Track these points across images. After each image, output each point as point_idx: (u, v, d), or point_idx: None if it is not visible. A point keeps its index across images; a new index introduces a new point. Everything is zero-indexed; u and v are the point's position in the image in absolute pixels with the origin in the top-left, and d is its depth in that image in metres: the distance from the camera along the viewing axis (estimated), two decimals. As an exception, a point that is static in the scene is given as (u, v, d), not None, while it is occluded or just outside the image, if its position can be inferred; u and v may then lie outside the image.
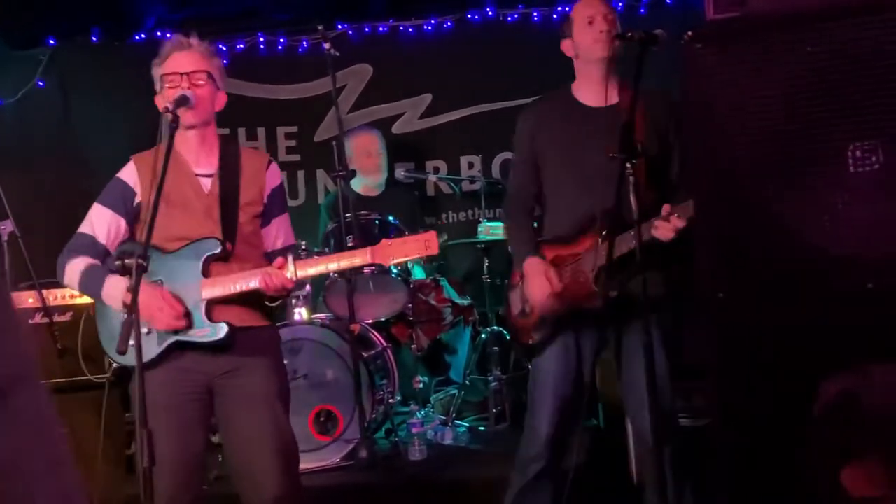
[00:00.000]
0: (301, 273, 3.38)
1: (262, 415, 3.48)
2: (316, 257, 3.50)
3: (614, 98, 3.87)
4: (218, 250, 3.45)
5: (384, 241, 3.38)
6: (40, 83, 6.63)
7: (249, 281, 3.39)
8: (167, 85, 3.46)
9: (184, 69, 3.45)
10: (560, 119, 3.93)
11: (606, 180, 3.69)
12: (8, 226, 5.22)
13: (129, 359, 3.29)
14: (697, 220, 3.09)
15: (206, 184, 3.53)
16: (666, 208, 3.58)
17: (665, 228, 3.56)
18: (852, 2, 2.63)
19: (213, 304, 3.44)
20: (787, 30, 2.66)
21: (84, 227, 3.53)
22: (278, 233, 3.65)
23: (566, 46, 3.94)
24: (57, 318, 5.42)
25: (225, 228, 3.49)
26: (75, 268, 3.46)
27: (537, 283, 3.78)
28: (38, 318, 5.41)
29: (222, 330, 3.41)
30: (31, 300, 5.40)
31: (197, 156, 3.55)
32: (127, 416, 5.48)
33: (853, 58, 2.61)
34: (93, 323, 5.46)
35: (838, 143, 2.65)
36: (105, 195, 3.55)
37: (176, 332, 3.40)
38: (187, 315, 3.39)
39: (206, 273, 3.44)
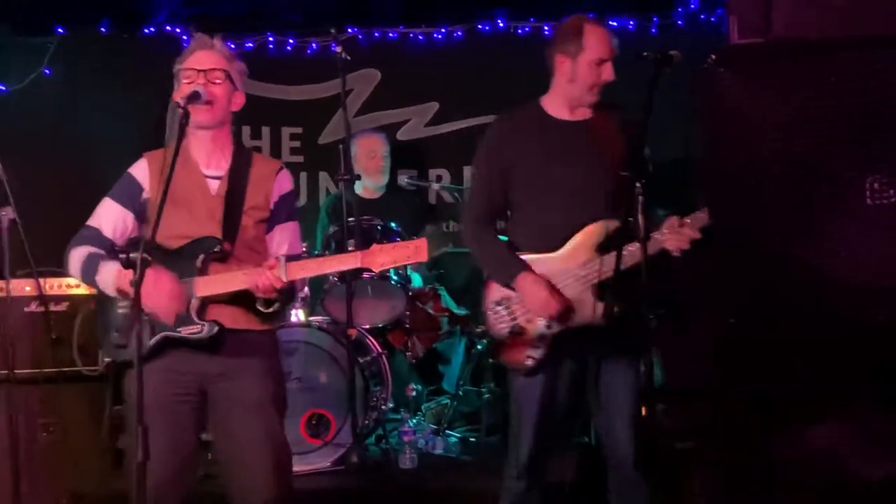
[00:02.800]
0: (291, 275, 3.35)
1: (254, 420, 3.46)
2: (307, 259, 3.49)
3: (588, 114, 3.89)
4: (216, 249, 3.44)
5: (375, 247, 3.37)
6: (47, 71, 6.60)
7: (239, 281, 3.37)
8: (184, 80, 3.46)
9: (202, 66, 3.46)
10: (534, 133, 3.87)
11: (588, 194, 3.78)
12: (9, 213, 5.18)
13: (122, 354, 3.32)
14: (714, 245, 3.08)
15: (214, 185, 3.52)
16: (674, 220, 3.60)
17: (678, 240, 3.57)
18: (877, 34, 2.63)
19: (207, 303, 3.42)
20: (811, 58, 2.66)
21: (91, 220, 3.54)
22: (282, 240, 3.61)
23: (561, 63, 3.85)
24: (53, 308, 5.39)
25: (226, 230, 3.48)
26: (77, 256, 3.46)
27: (543, 297, 3.70)
28: (35, 307, 5.38)
29: (212, 329, 3.40)
30: (28, 288, 5.37)
31: (208, 157, 3.55)
32: (114, 409, 5.45)
33: (876, 89, 2.61)
34: (89, 315, 5.48)
35: (857, 174, 2.64)
36: (115, 190, 3.55)
37: (167, 327, 3.38)
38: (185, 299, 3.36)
39: (203, 272, 3.43)
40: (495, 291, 3.87)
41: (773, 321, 2.76)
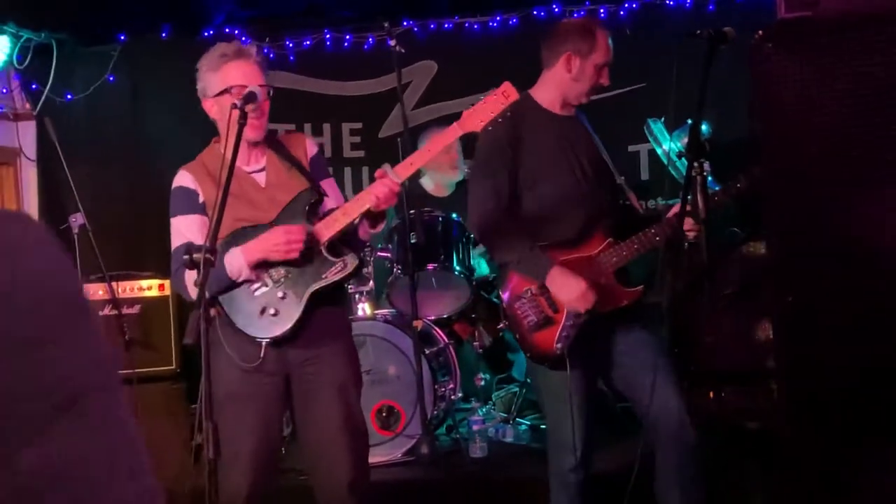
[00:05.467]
0: (403, 173, 3.39)
1: (336, 403, 3.55)
2: (411, 156, 3.47)
3: (572, 111, 3.99)
4: (315, 198, 3.52)
5: (465, 113, 3.39)
6: (111, 78, 6.72)
7: (359, 204, 3.41)
8: (234, 96, 3.44)
9: (249, 83, 3.45)
10: (538, 125, 3.89)
11: (595, 185, 3.88)
12: (79, 219, 5.32)
13: (277, 327, 3.42)
14: (767, 222, 3.05)
15: (261, 178, 3.60)
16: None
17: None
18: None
19: (330, 247, 3.47)
20: (860, 31, 2.61)
21: (175, 241, 3.55)
22: (329, 194, 3.66)
23: (570, 60, 3.86)
24: (125, 311, 5.53)
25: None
26: (192, 276, 3.39)
27: (581, 291, 3.67)
28: (107, 311, 5.52)
29: (354, 260, 3.46)
30: (100, 292, 5.50)
31: (247, 157, 3.61)
32: (192, 407, 5.56)
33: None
34: (161, 315, 5.60)
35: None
36: (175, 207, 3.58)
37: (310, 282, 3.43)
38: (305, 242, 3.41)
39: (311, 224, 3.49)
40: (518, 284, 3.82)
41: (829, 297, 2.72)
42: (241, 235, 3.45)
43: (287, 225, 3.43)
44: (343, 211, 3.45)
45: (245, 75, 3.49)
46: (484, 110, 3.35)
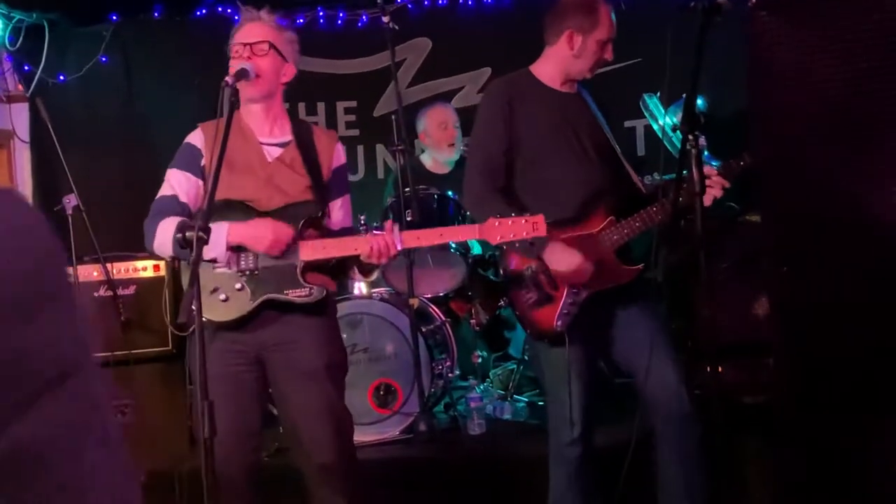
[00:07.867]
0: (408, 242, 3.37)
1: (310, 389, 3.50)
2: (423, 230, 3.47)
3: (574, 88, 3.96)
4: (318, 215, 3.48)
5: (491, 220, 3.36)
6: (103, 59, 6.68)
7: (354, 245, 3.39)
8: (232, 55, 3.50)
9: (248, 39, 3.49)
10: (537, 100, 3.87)
11: (595, 162, 3.85)
12: (72, 200, 5.30)
13: (225, 312, 3.39)
14: (762, 191, 3.03)
15: (273, 152, 3.56)
16: (709, 170, 3.61)
17: (714, 189, 3.59)
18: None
19: (307, 268, 3.44)
20: (852, -1, 2.60)
21: (164, 191, 3.53)
22: (336, 211, 3.64)
23: (572, 37, 3.83)
24: (121, 292, 5.51)
25: (316, 196, 3.52)
26: (166, 229, 3.38)
27: (576, 264, 3.68)
28: (103, 292, 5.50)
29: (321, 293, 3.43)
30: (95, 273, 5.49)
31: (262, 125, 3.59)
32: (189, 388, 5.55)
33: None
34: (156, 296, 5.59)
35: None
36: (177, 160, 3.57)
37: (269, 289, 3.41)
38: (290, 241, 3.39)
39: (301, 237, 3.45)
40: (519, 261, 3.82)
41: (824, 266, 2.70)
42: (230, 210, 3.41)
43: (278, 223, 3.40)
44: (336, 243, 3.43)
45: (245, 34, 3.51)
46: (508, 229, 3.34)
